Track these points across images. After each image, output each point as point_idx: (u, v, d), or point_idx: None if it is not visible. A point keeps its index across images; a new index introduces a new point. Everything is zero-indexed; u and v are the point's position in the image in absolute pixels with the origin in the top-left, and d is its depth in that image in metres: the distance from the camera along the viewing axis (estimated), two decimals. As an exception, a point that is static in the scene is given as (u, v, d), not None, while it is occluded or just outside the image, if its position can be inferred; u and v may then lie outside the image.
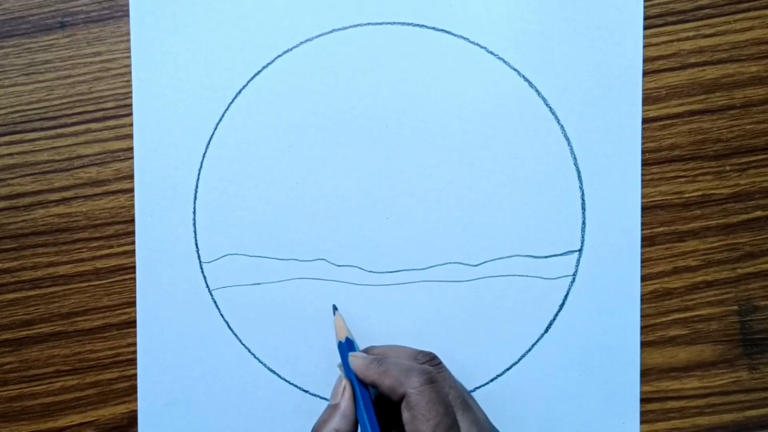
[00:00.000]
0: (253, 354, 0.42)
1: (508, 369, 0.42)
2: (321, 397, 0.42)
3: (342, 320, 0.40)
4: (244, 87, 0.42)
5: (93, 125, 0.43)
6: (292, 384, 0.42)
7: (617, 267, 0.41)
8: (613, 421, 0.41)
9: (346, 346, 0.39)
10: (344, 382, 0.37)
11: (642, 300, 0.41)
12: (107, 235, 0.43)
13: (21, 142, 0.43)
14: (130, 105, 0.43)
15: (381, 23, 0.42)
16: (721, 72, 0.41)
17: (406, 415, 0.34)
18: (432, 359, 0.38)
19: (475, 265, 0.42)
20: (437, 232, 0.42)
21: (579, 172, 0.41)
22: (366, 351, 0.40)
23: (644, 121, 0.41)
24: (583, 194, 0.41)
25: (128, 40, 0.43)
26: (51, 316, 0.43)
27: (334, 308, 0.41)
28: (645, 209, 0.41)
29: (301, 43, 0.42)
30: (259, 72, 0.42)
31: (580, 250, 0.41)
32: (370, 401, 0.36)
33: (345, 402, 0.36)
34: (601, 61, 0.41)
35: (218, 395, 0.42)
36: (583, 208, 0.41)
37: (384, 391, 0.36)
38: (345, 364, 0.38)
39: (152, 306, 0.43)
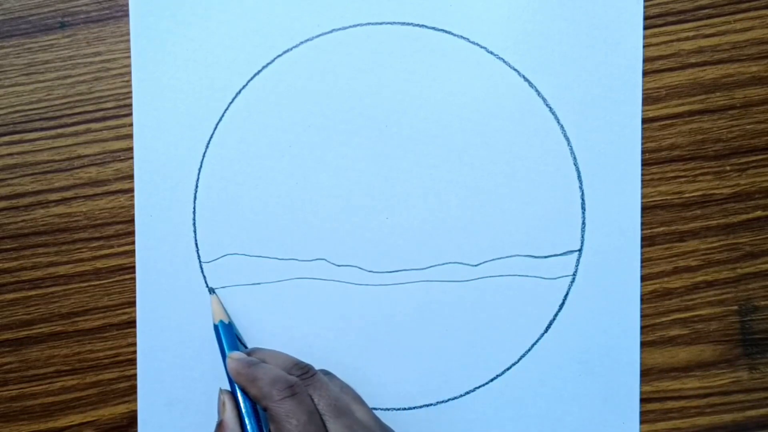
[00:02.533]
0: (253, 354, 0.42)
1: (508, 369, 0.42)
2: (321, 397, 0.42)
3: (219, 302, 0.41)
4: (244, 87, 0.42)
5: (93, 125, 0.43)
6: (292, 384, 0.42)
7: (617, 267, 0.41)
8: (613, 421, 0.41)
9: (221, 328, 0.40)
10: (223, 396, 0.38)
11: (642, 300, 0.41)
12: (107, 235, 0.43)
13: (21, 142, 0.43)
14: (130, 105, 0.43)
15: (381, 23, 0.42)
16: (721, 72, 0.41)
17: (271, 427, 0.36)
18: (306, 372, 0.38)
19: (475, 265, 0.42)
20: (437, 232, 0.42)
21: (579, 172, 0.41)
22: (249, 352, 0.40)
23: (644, 121, 0.41)
24: (583, 194, 0.41)
25: (128, 40, 0.43)
26: (51, 316, 0.43)
27: (211, 290, 0.42)
28: (645, 209, 0.41)
29: (301, 43, 0.42)
30: (259, 72, 0.42)
31: (579, 250, 0.41)
32: (252, 410, 0.38)
33: (227, 417, 0.38)
34: (601, 61, 0.41)
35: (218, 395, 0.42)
36: (583, 208, 0.41)
37: (252, 399, 0.37)
38: (220, 349, 0.40)
39: (152, 306, 0.43)
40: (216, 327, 0.40)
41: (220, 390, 0.39)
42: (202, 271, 0.42)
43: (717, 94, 0.41)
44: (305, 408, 0.35)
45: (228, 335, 0.40)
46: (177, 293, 0.42)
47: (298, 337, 0.42)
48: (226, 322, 0.41)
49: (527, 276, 0.41)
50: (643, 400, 0.41)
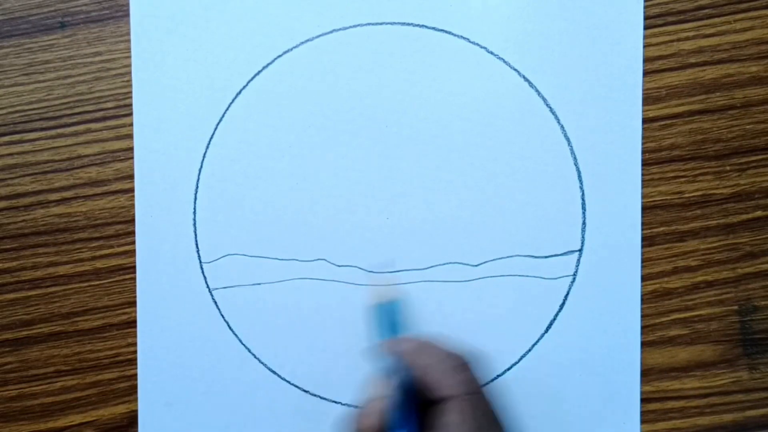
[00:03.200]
0: (253, 354, 0.42)
1: (508, 369, 0.42)
2: (321, 397, 0.42)
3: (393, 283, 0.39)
4: (244, 87, 0.42)
5: (93, 125, 0.43)
6: (292, 384, 0.42)
7: (617, 267, 0.41)
8: (613, 421, 0.41)
9: (395, 308, 0.38)
10: (379, 384, 0.35)
11: (642, 300, 0.41)
12: (107, 235, 0.43)
13: (21, 142, 0.43)
14: (130, 105, 0.43)
15: (381, 23, 0.42)
16: (721, 72, 0.41)
17: (449, 418, 0.32)
18: (463, 364, 0.35)
19: (475, 265, 0.42)
20: (437, 232, 0.42)
21: (579, 172, 0.41)
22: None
23: (644, 121, 0.41)
24: (583, 194, 0.41)
25: (128, 40, 0.43)
26: (51, 316, 0.43)
27: (374, 272, 0.41)
28: (645, 209, 0.41)
29: (301, 43, 0.42)
30: (259, 72, 0.42)
31: (580, 250, 0.41)
32: (412, 399, 0.34)
33: (373, 405, 0.34)
34: (601, 61, 0.41)
35: (218, 395, 0.42)
36: (583, 208, 0.41)
37: (422, 385, 0.34)
38: (380, 330, 0.37)
39: (152, 306, 0.43)
40: (382, 307, 0.38)
41: (376, 376, 0.36)
42: (203, 271, 0.42)
43: (717, 94, 0.41)
44: (485, 409, 0.33)
45: (398, 317, 0.38)
46: (177, 293, 0.42)
47: (299, 338, 0.42)
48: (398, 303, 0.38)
49: (528, 276, 0.41)
50: (643, 400, 0.41)
